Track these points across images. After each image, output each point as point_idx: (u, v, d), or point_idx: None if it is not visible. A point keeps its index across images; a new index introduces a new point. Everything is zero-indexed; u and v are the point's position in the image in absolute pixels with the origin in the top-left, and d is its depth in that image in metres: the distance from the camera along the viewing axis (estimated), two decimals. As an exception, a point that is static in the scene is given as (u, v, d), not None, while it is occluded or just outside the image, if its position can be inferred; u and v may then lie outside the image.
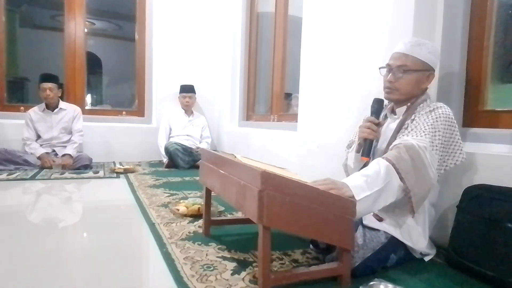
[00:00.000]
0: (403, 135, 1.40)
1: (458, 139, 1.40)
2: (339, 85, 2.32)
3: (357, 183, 1.19)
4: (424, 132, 1.35)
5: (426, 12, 1.76)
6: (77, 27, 4.24)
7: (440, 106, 1.41)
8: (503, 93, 1.72)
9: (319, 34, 2.53)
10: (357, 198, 1.15)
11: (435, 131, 1.34)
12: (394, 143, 1.37)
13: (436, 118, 1.37)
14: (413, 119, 1.44)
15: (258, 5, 4.19)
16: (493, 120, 1.65)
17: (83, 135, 3.82)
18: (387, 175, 1.21)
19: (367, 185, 1.19)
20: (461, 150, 1.39)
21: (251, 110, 4.29)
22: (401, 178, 1.23)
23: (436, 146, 1.34)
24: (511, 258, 1.18)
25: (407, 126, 1.44)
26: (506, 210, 1.24)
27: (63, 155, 3.58)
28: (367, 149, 1.50)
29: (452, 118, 1.39)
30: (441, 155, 1.36)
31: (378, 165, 1.24)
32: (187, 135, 4.12)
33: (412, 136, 1.36)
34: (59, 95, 3.73)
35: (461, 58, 1.75)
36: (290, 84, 3.51)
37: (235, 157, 1.39)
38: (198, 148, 3.94)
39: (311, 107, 2.63)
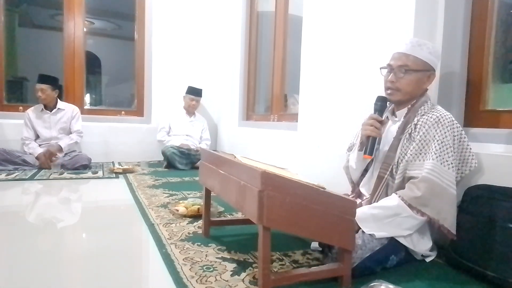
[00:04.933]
0: (413, 149, 1.38)
1: (468, 145, 1.41)
2: (339, 85, 2.32)
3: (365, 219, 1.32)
4: (435, 153, 1.33)
5: (427, 12, 1.75)
6: (76, 26, 4.23)
7: (444, 115, 1.39)
8: (504, 92, 1.71)
9: (320, 34, 2.52)
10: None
11: (446, 148, 1.34)
12: (408, 173, 1.37)
13: (444, 132, 1.36)
14: (416, 124, 1.43)
15: (258, 4, 4.18)
16: (494, 120, 1.64)
17: (82, 136, 3.81)
18: (396, 213, 1.31)
19: (376, 223, 1.32)
20: (473, 155, 1.41)
21: (251, 110, 4.28)
22: (421, 214, 1.29)
23: (452, 163, 1.33)
24: (511, 258, 1.17)
25: (411, 132, 1.43)
26: (506, 210, 1.23)
27: (55, 143, 3.59)
28: (369, 147, 1.49)
29: (458, 127, 1.40)
30: (457, 164, 1.37)
31: (391, 200, 1.34)
32: (187, 135, 4.11)
33: (419, 160, 1.36)
34: (54, 96, 3.68)
35: (462, 58, 1.75)
36: (290, 84, 3.51)
37: (235, 157, 1.38)
38: (198, 148, 3.93)
39: (311, 107, 2.63)
